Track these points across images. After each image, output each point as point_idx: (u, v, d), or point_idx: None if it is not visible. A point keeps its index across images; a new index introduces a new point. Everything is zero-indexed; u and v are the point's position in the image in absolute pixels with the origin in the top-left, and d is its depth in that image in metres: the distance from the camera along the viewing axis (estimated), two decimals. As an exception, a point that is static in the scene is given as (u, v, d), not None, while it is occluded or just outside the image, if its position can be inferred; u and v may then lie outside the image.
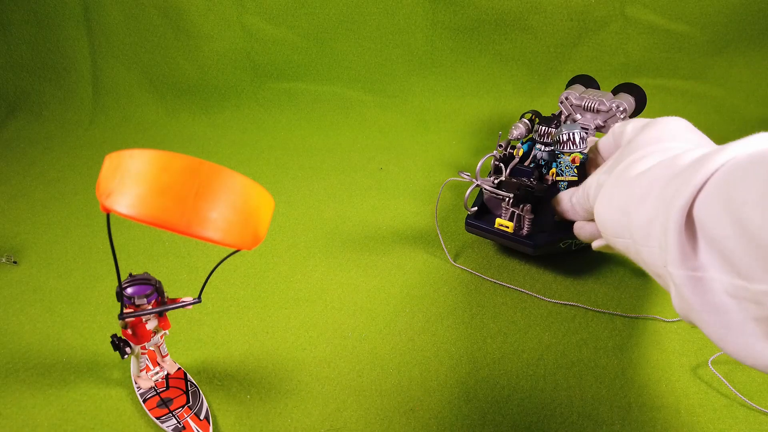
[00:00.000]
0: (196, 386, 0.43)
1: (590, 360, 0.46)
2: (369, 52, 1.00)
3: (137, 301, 0.37)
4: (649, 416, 0.41)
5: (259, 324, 0.51)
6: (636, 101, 0.66)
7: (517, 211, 0.52)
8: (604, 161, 0.45)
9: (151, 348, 0.42)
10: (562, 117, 0.66)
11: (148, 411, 0.40)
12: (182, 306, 0.38)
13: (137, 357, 0.42)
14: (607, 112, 0.63)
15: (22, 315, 0.53)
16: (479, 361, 0.46)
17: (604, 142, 0.44)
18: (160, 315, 0.40)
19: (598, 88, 0.71)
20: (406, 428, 0.41)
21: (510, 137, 0.62)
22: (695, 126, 0.35)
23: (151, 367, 0.43)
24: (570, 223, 0.53)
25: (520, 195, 0.51)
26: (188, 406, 0.41)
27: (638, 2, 0.94)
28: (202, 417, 0.40)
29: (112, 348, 0.40)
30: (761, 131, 0.27)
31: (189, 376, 0.43)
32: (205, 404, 0.41)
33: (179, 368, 0.44)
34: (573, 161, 0.51)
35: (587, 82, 0.72)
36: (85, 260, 0.61)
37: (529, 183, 0.52)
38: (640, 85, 0.66)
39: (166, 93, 1.01)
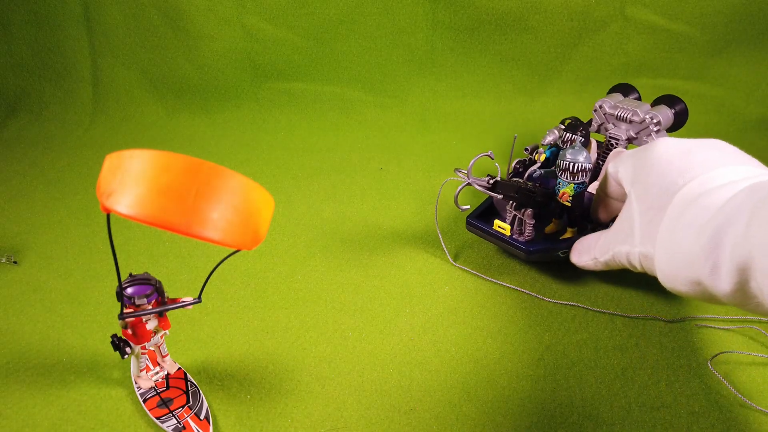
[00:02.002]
0: (196, 386, 0.43)
1: (590, 360, 0.46)
2: (369, 52, 1.00)
3: (137, 301, 0.37)
4: (649, 416, 0.41)
5: (259, 324, 0.51)
6: (675, 115, 0.61)
7: (518, 215, 0.52)
8: (613, 199, 0.43)
9: (151, 348, 0.42)
10: (594, 125, 0.64)
11: (148, 411, 0.40)
12: (182, 306, 0.38)
13: (137, 357, 0.42)
14: (640, 123, 0.60)
15: (22, 315, 0.53)
16: (479, 361, 0.46)
17: (614, 189, 0.42)
18: (161, 315, 0.40)
19: (639, 98, 0.67)
20: (406, 428, 0.41)
21: (542, 142, 0.60)
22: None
23: (151, 367, 0.43)
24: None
25: (519, 198, 0.50)
26: (188, 406, 0.41)
27: (638, 2, 0.94)
28: (202, 417, 0.40)
29: (112, 348, 0.40)
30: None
31: (189, 376, 0.43)
32: (205, 404, 0.41)
33: (179, 368, 0.44)
34: (561, 197, 0.49)
35: (627, 90, 0.68)
36: (85, 260, 0.61)
37: (530, 187, 0.50)
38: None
39: (166, 93, 1.01)
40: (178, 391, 0.42)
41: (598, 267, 0.40)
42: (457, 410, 0.42)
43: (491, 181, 0.54)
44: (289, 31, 0.99)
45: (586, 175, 0.48)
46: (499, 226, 0.53)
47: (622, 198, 0.43)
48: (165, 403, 0.41)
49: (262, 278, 0.57)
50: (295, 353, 0.48)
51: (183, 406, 0.41)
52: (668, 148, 0.34)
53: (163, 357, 0.43)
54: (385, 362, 0.46)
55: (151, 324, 0.39)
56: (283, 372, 0.46)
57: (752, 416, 0.41)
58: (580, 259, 0.42)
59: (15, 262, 0.60)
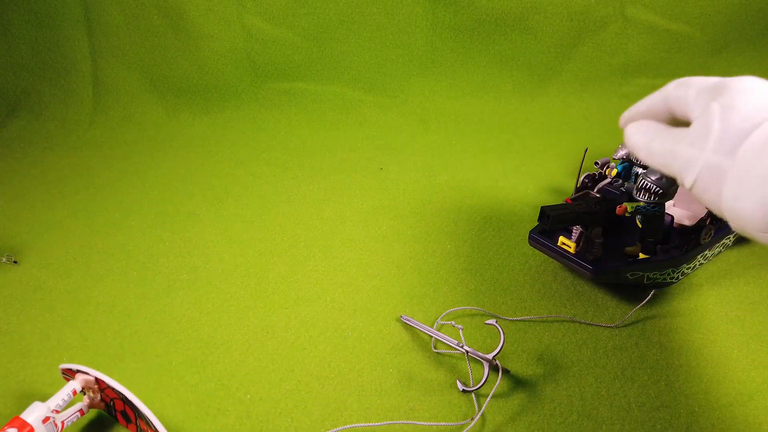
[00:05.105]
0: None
1: (590, 360, 0.46)
2: (369, 52, 1.00)
3: None
4: (649, 416, 0.41)
5: (259, 324, 0.51)
6: None
7: (585, 233, 0.48)
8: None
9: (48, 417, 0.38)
10: None
11: (127, 423, 0.39)
12: None
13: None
14: None
15: (22, 315, 0.53)
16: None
17: (655, 106, 0.36)
18: None
19: None
20: (405, 428, 0.41)
21: (614, 156, 0.58)
22: None
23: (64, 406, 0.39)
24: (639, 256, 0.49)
25: (583, 220, 0.46)
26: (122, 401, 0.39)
27: (638, 2, 0.94)
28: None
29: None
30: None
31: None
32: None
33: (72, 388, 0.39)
34: (617, 211, 0.47)
35: None
36: (85, 260, 0.61)
37: (591, 208, 0.47)
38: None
39: (166, 93, 1.01)
40: (101, 403, 0.40)
41: (643, 153, 0.33)
42: (457, 410, 0.42)
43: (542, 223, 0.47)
44: (289, 31, 0.99)
45: (658, 197, 0.46)
46: (563, 243, 0.50)
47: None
48: (109, 408, 0.40)
49: (262, 278, 0.57)
50: (295, 353, 0.48)
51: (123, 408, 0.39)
52: (755, 81, 0.31)
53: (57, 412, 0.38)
54: (385, 362, 0.46)
55: None
56: (283, 372, 0.46)
57: (752, 416, 0.41)
58: (634, 134, 0.34)
59: (15, 262, 0.60)
